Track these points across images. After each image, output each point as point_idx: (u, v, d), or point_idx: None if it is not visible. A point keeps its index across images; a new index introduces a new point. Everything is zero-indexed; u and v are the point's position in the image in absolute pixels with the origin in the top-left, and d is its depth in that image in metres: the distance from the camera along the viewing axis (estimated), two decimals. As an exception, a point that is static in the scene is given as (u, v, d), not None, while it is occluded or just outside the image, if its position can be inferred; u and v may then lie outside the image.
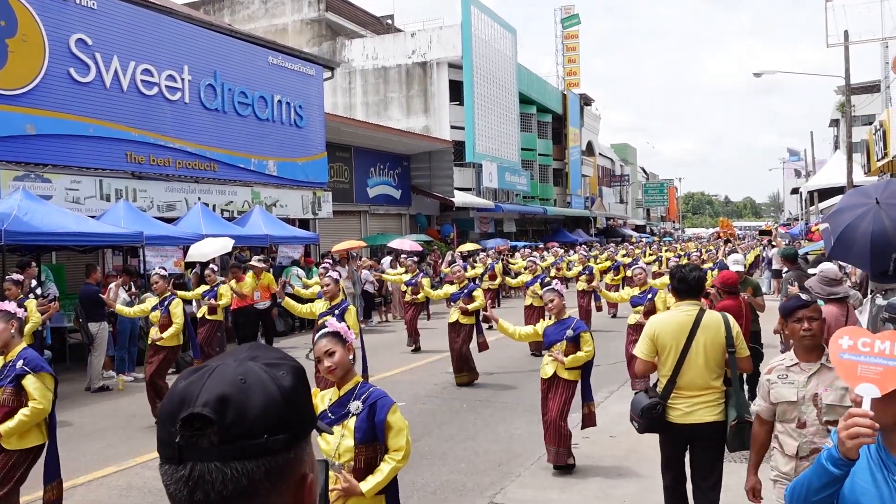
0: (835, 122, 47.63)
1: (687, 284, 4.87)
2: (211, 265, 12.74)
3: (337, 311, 7.77)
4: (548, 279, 11.63)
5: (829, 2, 18.25)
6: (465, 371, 10.65)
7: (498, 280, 18.65)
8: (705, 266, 15.60)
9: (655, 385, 4.93)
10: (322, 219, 22.22)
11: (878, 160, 19.49)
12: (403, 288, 15.14)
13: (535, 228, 45.67)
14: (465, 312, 10.77)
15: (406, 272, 15.15)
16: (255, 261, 14.46)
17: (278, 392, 1.02)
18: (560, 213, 45.87)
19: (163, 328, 8.85)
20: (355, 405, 3.35)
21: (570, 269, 18.12)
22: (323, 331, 3.52)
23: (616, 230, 58.44)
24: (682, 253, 26.25)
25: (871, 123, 23.51)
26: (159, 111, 16.18)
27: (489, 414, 8.94)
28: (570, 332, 6.54)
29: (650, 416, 4.74)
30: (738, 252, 18.68)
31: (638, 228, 69.63)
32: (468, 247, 27.01)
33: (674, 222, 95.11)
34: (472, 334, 10.78)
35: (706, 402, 4.65)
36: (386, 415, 3.33)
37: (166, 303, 8.97)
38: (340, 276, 17.62)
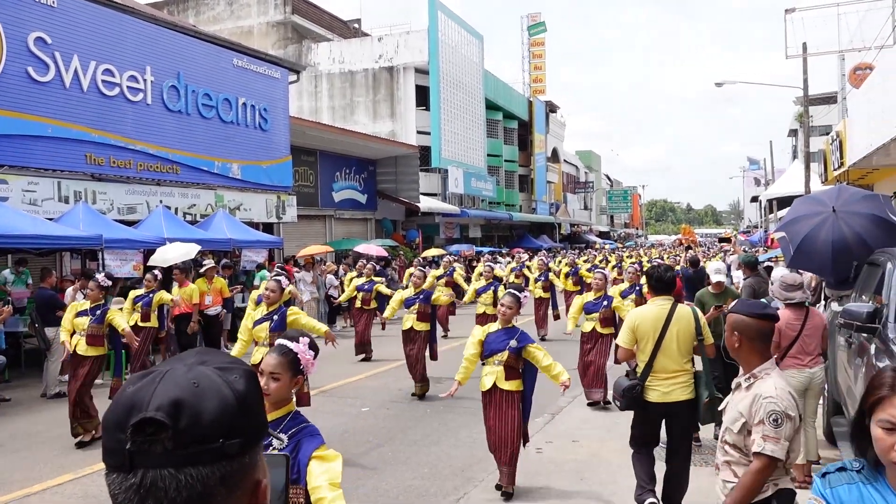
0: (793, 132, 48.66)
1: (663, 283, 5.67)
2: (154, 270, 11.99)
3: (276, 317, 7.21)
4: (501, 287, 11.02)
5: (788, 14, 18.65)
6: (424, 381, 10.24)
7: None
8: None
9: (635, 369, 5.58)
10: (286, 223, 22.04)
11: (835, 170, 19.95)
12: (353, 293, 14.16)
13: (500, 234, 45.87)
14: (420, 318, 10.32)
15: (359, 276, 14.21)
16: (208, 264, 13.85)
17: (232, 396, 1.00)
18: (525, 218, 46.15)
19: (90, 339, 8.24)
20: (280, 439, 2.84)
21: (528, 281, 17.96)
22: (282, 344, 3.05)
23: (580, 236, 58.99)
24: (646, 259, 26.56)
25: (828, 134, 24.05)
26: (120, 112, 15.91)
27: (452, 419, 8.94)
28: (514, 343, 6.07)
29: (630, 396, 5.42)
30: (713, 259, 18.57)
31: (602, 235, 70.36)
32: (433, 252, 27.02)
33: (637, 229, 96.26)
34: (428, 341, 10.35)
35: (680, 383, 5.37)
36: (310, 455, 2.78)
37: (98, 311, 8.36)
38: (303, 281, 17.45)
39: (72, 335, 8.38)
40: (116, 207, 15.70)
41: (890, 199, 8.66)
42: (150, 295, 11.08)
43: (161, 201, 16.61)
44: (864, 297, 6.22)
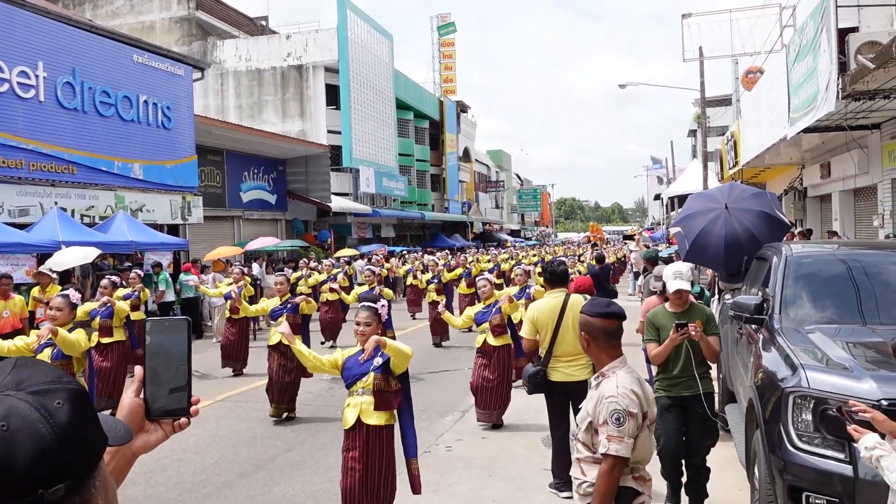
0: (693, 133, 50.60)
1: (556, 276, 6.25)
2: None
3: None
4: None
5: (685, 19, 19.40)
6: (284, 402, 8.99)
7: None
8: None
9: (540, 357, 6.02)
10: (193, 224, 21.44)
11: (730, 168, 20.90)
12: (219, 300, 12.45)
13: (413, 233, 45.93)
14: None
15: (232, 283, 12.29)
16: (44, 268, 11.97)
17: (52, 434, 0.86)
18: (438, 217, 46.37)
19: None
20: None
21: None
22: None
23: (492, 235, 59.70)
24: (548, 256, 27.12)
25: (724, 134, 25.16)
26: (10, 109, 15.11)
27: (364, 420, 8.87)
28: (378, 361, 4.99)
29: (535, 381, 5.91)
30: (673, 260, 17.53)
31: (513, 233, 71.42)
32: (346, 252, 26.80)
33: (547, 227, 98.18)
34: (295, 358, 8.86)
35: (580, 364, 5.85)
36: None
37: None
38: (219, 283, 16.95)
39: None
40: (7, 209, 14.92)
41: (777, 197, 9.15)
42: None
43: (56, 203, 15.87)
44: (753, 289, 6.53)
